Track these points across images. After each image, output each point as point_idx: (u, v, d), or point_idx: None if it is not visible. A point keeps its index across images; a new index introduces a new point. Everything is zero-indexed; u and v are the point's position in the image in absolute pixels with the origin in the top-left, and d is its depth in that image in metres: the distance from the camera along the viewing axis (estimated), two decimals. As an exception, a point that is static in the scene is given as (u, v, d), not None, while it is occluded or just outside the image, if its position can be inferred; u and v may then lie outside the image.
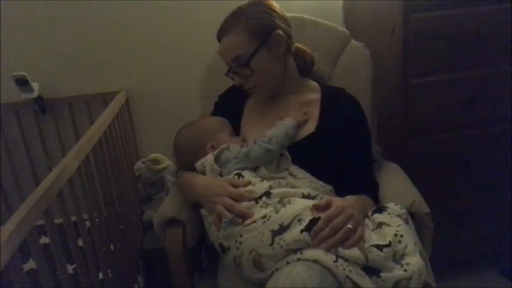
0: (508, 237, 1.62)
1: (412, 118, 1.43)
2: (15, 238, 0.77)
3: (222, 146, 1.06)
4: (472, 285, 1.64)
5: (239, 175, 1.01)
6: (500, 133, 1.48)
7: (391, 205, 0.99)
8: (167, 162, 1.83)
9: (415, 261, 0.84)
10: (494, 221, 1.59)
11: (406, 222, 0.95)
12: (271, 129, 1.05)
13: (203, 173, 1.07)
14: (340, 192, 1.03)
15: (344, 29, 1.39)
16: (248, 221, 0.91)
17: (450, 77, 1.40)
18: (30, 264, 1.47)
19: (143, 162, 1.84)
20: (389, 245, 0.86)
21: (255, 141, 1.04)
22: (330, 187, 1.03)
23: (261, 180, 0.99)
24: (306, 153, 1.06)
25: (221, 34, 1.08)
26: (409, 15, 1.32)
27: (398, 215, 0.96)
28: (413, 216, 1.01)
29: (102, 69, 1.86)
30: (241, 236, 0.91)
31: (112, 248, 1.37)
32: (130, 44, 1.83)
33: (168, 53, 1.85)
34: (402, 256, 0.86)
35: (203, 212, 1.04)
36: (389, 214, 0.96)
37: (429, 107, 1.42)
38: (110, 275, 1.29)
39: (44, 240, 1.43)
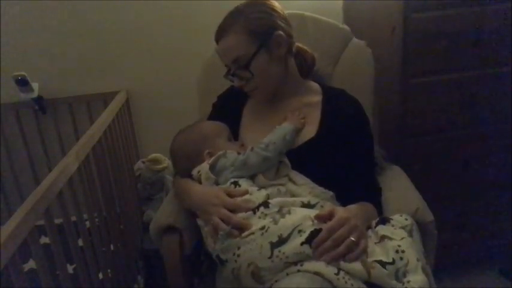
0: (508, 237, 1.62)
1: (412, 118, 1.43)
2: (15, 238, 0.77)
3: (219, 153, 1.03)
4: (472, 285, 1.64)
5: (236, 184, 0.98)
6: (500, 133, 1.48)
7: (396, 217, 0.96)
8: (167, 162, 1.83)
9: (416, 279, 0.82)
10: (494, 221, 1.59)
11: (410, 234, 0.92)
12: (267, 136, 1.02)
13: (199, 180, 1.04)
14: (341, 198, 1.01)
15: (345, 27, 1.38)
16: (246, 233, 0.88)
17: (450, 77, 1.40)
18: (30, 264, 1.47)
19: (143, 162, 1.84)
20: (392, 262, 0.83)
21: (252, 149, 1.00)
22: (331, 193, 1.00)
23: (258, 189, 0.96)
24: (307, 159, 1.03)
25: (219, 35, 1.04)
26: (409, 15, 1.32)
27: (402, 227, 0.93)
28: (416, 224, 0.98)
29: (102, 69, 1.86)
30: (239, 248, 0.88)
31: (112, 248, 1.37)
32: (130, 44, 1.83)
33: (167, 53, 1.85)
34: (404, 274, 0.83)
35: (200, 222, 1.01)
36: (393, 226, 0.93)
37: (429, 107, 1.42)
38: (110, 275, 1.29)
39: (44, 240, 1.42)
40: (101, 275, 1.25)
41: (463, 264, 1.68)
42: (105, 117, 1.43)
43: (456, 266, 1.67)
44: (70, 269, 1.35)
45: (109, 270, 1.29)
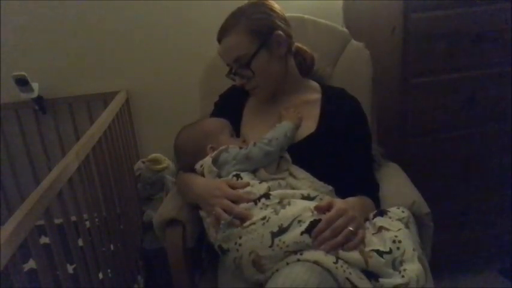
0: (508, 237, 1.62)
1: (412, 118, 1.43)
2: (15, 238, 0.77)
3: (221, 148, 1.06)
4: (472, 285, 1.64)
5: (237, 176, 1.00)
6: (500, 133, 1.48)
7: (393, 209, 0.99)
8: (167, 162, 1.83)
9: (413, 268, 0.84)
10: (494, 221, 1.59)
11: (407, 226, 0.94)
12: (269, 132, 1.05)
13: (202, 174, 1.07)
14: (340, 192, 1.03)
15: (344, 29, 1.40)
16: (247, 223, 0.90)
17: (450, 77, 1.40)
18: (30, 264, 1.47)
19: (143, 162, 1.84)
20: (389, 252, 0.86)
21: (254, 144, 1.03)
22: (330, 187, 1.02)
23: (260, 182, 0.99)
24: (306, 154, 1.05)
25: (221, 35, 1.07)
26: (409, 15, 1.32)
27: (399, 219, 0.95)
28: (413, 217, 1.01)
29: (102, 69, 1.86)
30: (240, 237, 0.90)
31: (112, 248, 1.37)
32: (130, 44, 1.83)
33: (168, 53, 1.85)
34: (401, 263, 0.86)
35: (202, 213, 1.03)
36: (390, 218, 0.96)
37: (429, 107, 1.42)
38: (110, 275, 1.29)
39: (44, 240, 1.43)
40: (101, 275, 1.25)
41: (463, 264, 1.68)
42: (105, 117, 1.43)
43: (456, 266, 1.67)
44: (70, 269, 1.35)
45: (109, 270, 1.29)
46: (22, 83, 1.69)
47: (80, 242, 1.10)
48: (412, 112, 1.43)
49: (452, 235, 1.58)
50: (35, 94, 1.76)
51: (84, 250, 1.14)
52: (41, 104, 1.83)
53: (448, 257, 1.57)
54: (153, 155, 1.83)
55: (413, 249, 0.87)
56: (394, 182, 1.18)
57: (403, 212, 0.98)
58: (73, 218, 1.05)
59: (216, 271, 1.09)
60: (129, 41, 1.82)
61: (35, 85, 1.75)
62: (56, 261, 0.96)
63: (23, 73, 1.67)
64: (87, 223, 1.18)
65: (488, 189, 1.55)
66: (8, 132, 1.89)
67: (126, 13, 1.78)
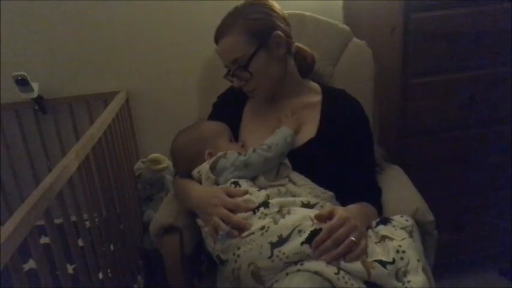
0: (508, 237, 1.62)
1: (412, 118, 1.43)
2: (15, 238, 0.77)
3: (219, 154, 1.03)
4: (472, 285, 1.64)
5: (236, 184, 0.98)
6: (500, 133, 1.48)
7: (396, 217, 0.96)
8: (167, 162, 1.83)
9: (417, 279, 0.82)
10: (494, 221, 1.59)
11: (411, 235, 0.92)
12: (269, 138, 1.02)
13: (199, 181, 1.04)
14: (341, 198, 1.01)
15: (345, 26, 1.37)
16: (245, 233, 0.88)
17: (450, 77, 1.40)
18: (30, 264, 1.47)
19: (143, 162, 1.84)
20: (393, 262, 0.84)
21: (253, 150, 1.00)
22: (331, 193, 1.00)
23: (258, 190, 0.97)
24: (307, 159, 1.03)
25: (218, 35, 1.04)
26: (409, 15, 1.32)
27: (403, 228, 0.93)
28: (416, 224, 0.98)
29: (102, 69, 1.86)
30: (239, 248, 0.88)
31: (112, 248, 1.37)
32: (130, 44, 1.83)
33: (167, 53, 1.85)
34: (404, 273, 0.84)
35: (199, 222, 1.01)
36: (393, 226, 0.93)
37: (429, 107, 1.42)
38: (110, 275, 1.29)
39: (44, 240, 1.43)
40: (101, 275, 1.25)
41: (463, 264, 1.68)
42: (105, 117, 1.43)
43: (456, 266, 1.67)
44: (70, 269, 1.35)
45: (109, 270, 1.29)
46: (22, 83, 1.69)
47: (80, 242, 1.10)
48: (411, 112, 1.43)
49: (452, 235, 1.58)
50: (35, 94, 1.76)
51: (84, 250, 1.14)
52: (41, 104, 1.83)
53: (448, 257, 1.57)
54: (153, 155, 1.82)
55: (418, 260, 0.85)
56: (397, 186, 1.16)
57: (406, 220, 0.95)
58: (73, 218, 1.05)
59: (215, 275, 1.08)
60: (129, 41, 1.82)
61: (35, 85, 1.75)
62: (56, 261, 0.96)
63: (23, 73, 1.67)
64: (87, 223, 1.18)
65: (487, 190, 1.55)
66: (8, 132, 1.89)
67: (126, 13, 1.78)
